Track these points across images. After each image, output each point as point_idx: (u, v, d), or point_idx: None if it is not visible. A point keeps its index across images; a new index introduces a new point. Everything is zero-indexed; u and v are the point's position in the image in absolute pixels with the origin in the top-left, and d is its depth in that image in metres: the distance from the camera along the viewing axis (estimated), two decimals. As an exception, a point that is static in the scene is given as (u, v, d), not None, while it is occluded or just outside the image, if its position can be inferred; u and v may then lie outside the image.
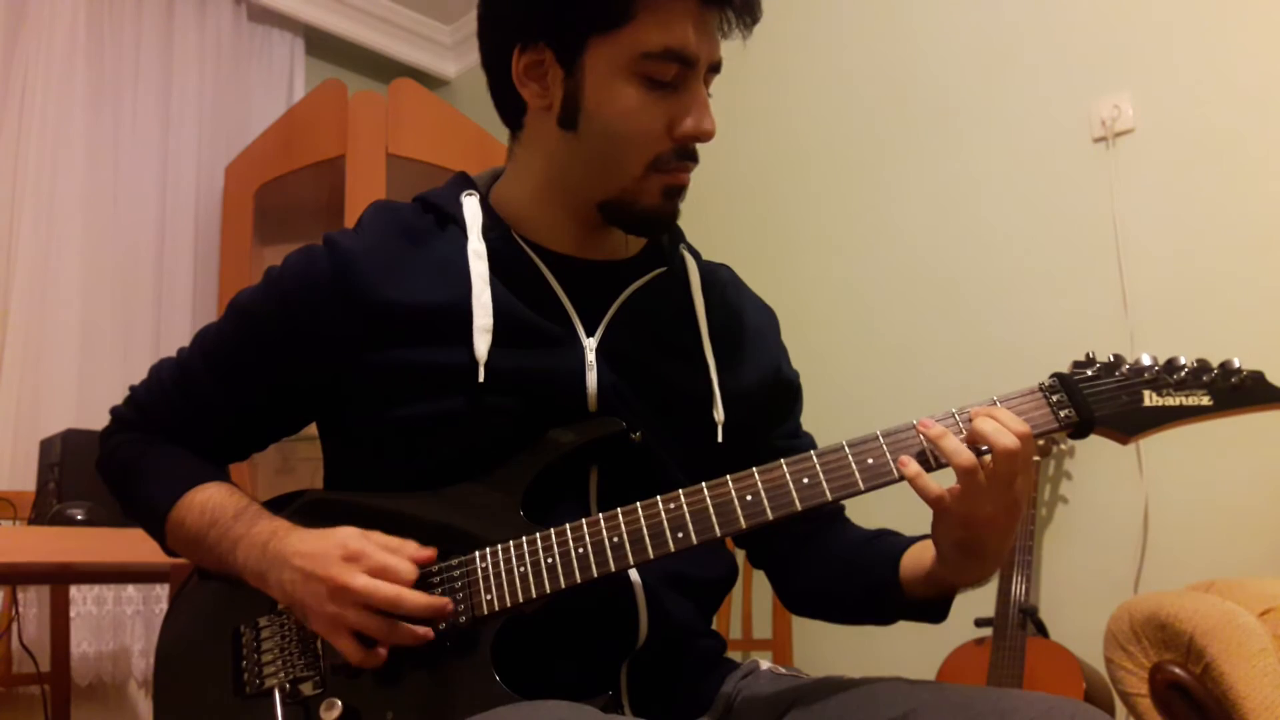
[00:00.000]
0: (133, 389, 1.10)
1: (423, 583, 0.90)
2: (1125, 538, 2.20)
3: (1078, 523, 2.29)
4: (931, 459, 0.85)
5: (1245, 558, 2.01)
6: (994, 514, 0.84)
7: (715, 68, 0.98)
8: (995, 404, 0.87)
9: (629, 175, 0.96)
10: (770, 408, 1.10)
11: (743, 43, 0.97)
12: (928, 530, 0.96)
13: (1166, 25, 2.27)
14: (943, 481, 0.86)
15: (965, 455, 0.83)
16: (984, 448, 0.83)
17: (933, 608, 0.98)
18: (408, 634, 0.87)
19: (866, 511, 1.10)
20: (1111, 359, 0.89)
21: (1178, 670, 1.45)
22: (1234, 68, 2.17)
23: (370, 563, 0.87)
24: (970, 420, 0.85)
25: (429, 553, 0.90)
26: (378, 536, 0.90)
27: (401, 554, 0.89)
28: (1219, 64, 2.19)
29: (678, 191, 0.99)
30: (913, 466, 0.84)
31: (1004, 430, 0.83)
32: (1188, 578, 1.79)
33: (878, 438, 0.87)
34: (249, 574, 0.94)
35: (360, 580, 0.86)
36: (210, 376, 1.04)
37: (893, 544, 1.01)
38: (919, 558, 0.96)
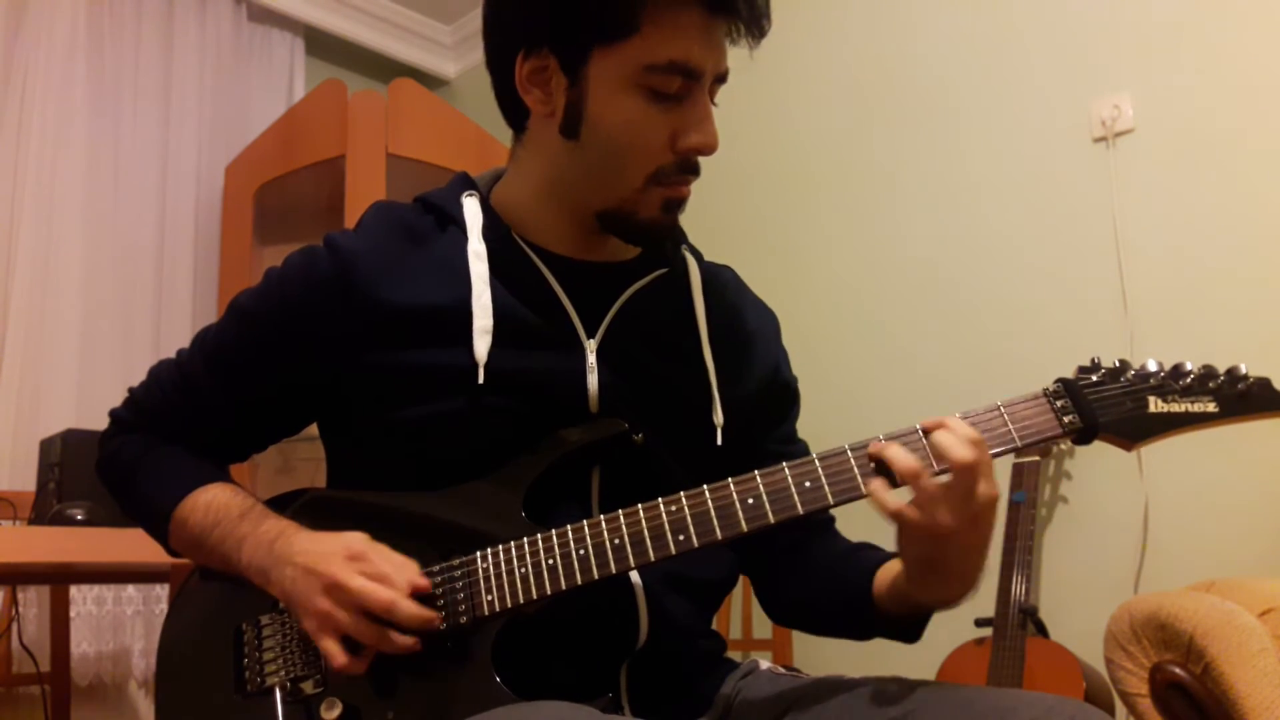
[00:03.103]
0: (132, 391, 1.10)
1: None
2: (1125, 538, 2.20)
3: (1078, 523, 2.29)
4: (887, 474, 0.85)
5: (1245, 558, 2.01)
6: (955, 527, 0.82)
7: (721, 78, 0.97)
8: (1000, 409, 0.87)
9: (629, 187, 0.96)
10: (767, 410, 1.10)
11: (750, 54, 0.97)
12: None
13: (1166, 25, 2.27)
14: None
15: (907, 461, 0.83)
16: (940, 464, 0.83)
17: (906, 626, 0.97)
18: (395, 643, 0.86)
19: (867, 519, 1.10)
20: (1116, 364, 0.89)
21: (1178, 670, 1.45)
22: (1234, 68, 2.17)
23: (371, 568, 0.87)
24: (928, 434, 0.85)
25: (426, 583, 0.89)
26: (385, 548, 0.90)
27: (403, 569, 0.88)
28: (1219, 64, 2.19)
29: (678, 204, 0.99)
30: (873, 482, 0.84)
31: (959, 443, 0.82)
32: (1188, 578, 1.79)
33: (880, 440, 0.86)
34: (253, 572, 0.94)
35: (357, 581, 0.86)
36: (210, 377, 1.04)
37: (869, 558, 1.00)
38: (892, 574, 0.95)
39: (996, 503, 0.84)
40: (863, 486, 0.85)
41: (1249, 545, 2.03)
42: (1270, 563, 1.97)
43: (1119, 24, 2.35)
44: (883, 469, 0.85)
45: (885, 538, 1.04)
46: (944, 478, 0.83)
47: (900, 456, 0.83)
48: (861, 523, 1.10)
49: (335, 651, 0.87)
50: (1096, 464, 2.26)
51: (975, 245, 2.53)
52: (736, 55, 0.98)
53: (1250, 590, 1.57)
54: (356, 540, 0.90)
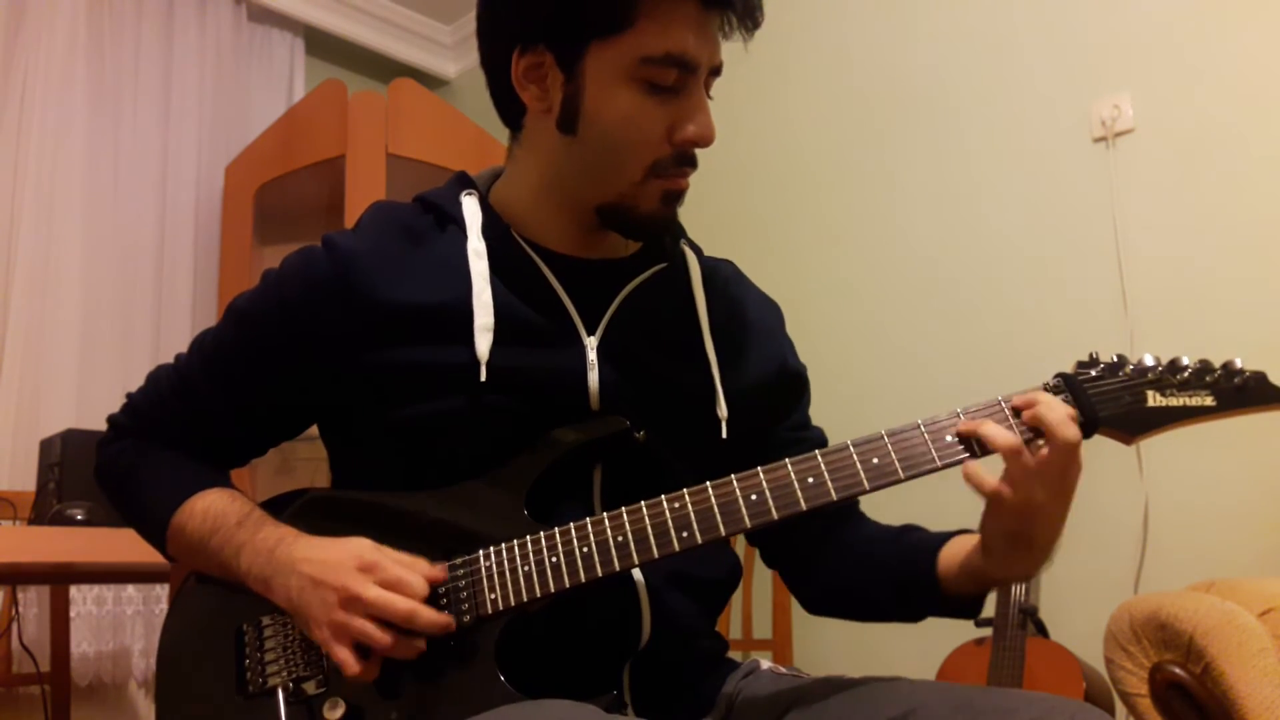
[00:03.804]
0: (130, 396, 1.10)
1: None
2: (1125, 538, 2.20)
3: (1078, 523, 2.25)
4: (976, 447, 0.85)
5: (1245, 558, 2.01)
6: (1046, 501, 0.85)
7: (716, 71, 0.97)
8: (1000, 403, 0.87)
9: (628, 180, 0.96)
10: (777, 401, 1.10)
11: (744, 47, 0.97)
12: (942, 527, 0.96)
13: (1166, 25, 2.27)
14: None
15: (1007, 437, 0.84)
16: (1031, 435, 0.84)
17: (969, 603, 0.97)
18: (409, 647, 0.86)
19: (870, 511, 1.10)
20: (1115, 359, 0.89)
21: (1178, 670, 1.45)
22: (1234, 68, 2.17)
23: (384, 575, 0.87)
24: (1018, 410, 0.85)
25: (440, 572, 0.89)
26: (391, 551, 0.90)
27: (415, 570, 0.88)
28: (1219, 64, 2.19)
29: (676, 197, 0.99)
30: (970, 464, 0.84)
31: (1066, 420, 0.83)
32: (1188, 578, 1.79)
33: (882, 437, 0.87)
34: (253, 580, 0.94)
35: (374, 591, 0.86)
36: (209, 382, 1.04)
37: (927, 538, 1.00)
38: (958, 552, 0.96)
39: (1078, 477, 0.86)
40: (900, 470, 0.85)
41: (1249, 545, 2.03)
42: (1270, 563, 1.97)
43: (1119, 24, 2.35)
44: (968, 444, 0.85)
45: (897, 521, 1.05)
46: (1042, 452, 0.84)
47: (999, 433, 0.83)
48: (897, 509, 1.10)
49: (350, 661, 0.86)
50: (1096, 464, 2.23)
51: (975, 245, 2.53)
52: (739, 56, 0.98)
53: (1250, 590, 1.57)
54: (366, 549, 0.89)
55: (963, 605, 0.97)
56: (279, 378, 1.02)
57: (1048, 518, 0.86)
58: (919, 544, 1.00)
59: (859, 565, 1.04)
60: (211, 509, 1.00)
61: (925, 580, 0.97)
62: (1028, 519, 0.86)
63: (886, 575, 1.01)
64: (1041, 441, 0.84)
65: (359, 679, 0.87)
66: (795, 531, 1.07)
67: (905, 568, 0.99)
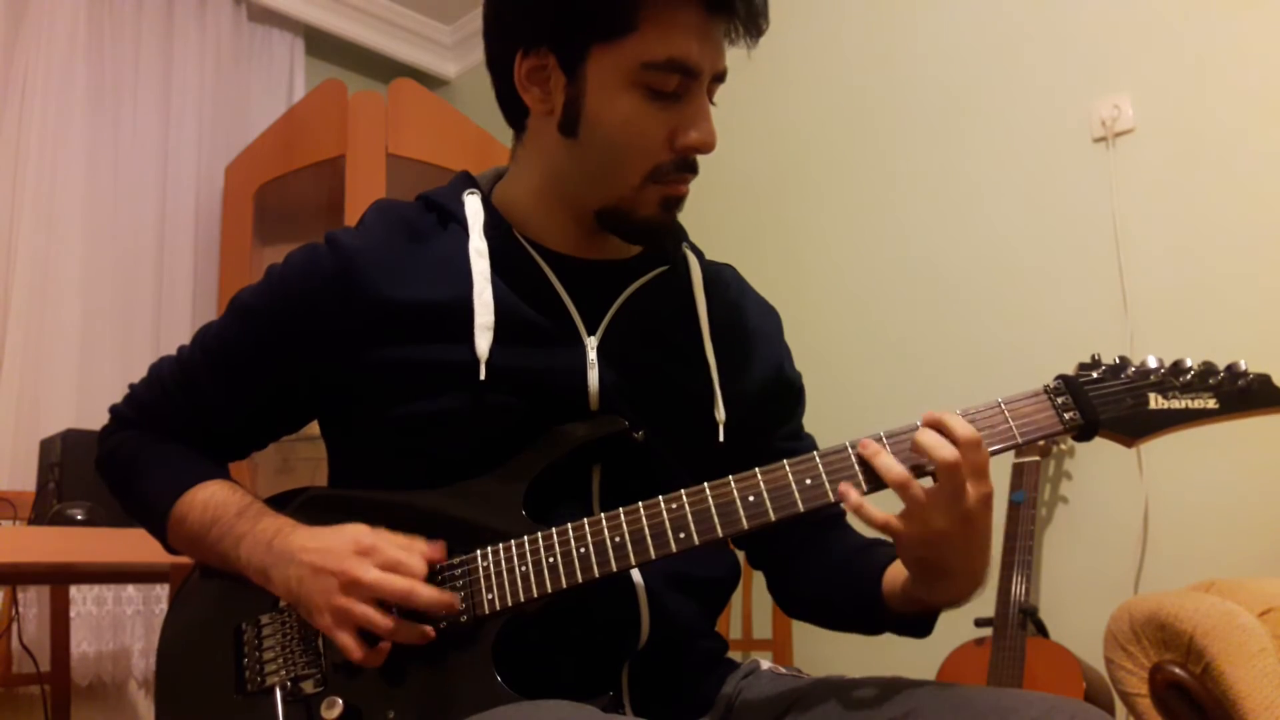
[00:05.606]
0: (133, 387, 1.10)
1: (426, 581, 0.90)
2: (1125, 538, 2.20)
3: (1078, 523, 2.29)
4: (863, 481, 0.85)
5: (1245, 558, 2.01)
6: (948, 529, 0.82)
7: (720, 77, 0.97)
8: (1000, 406, 0.87)
9: (627, 185, 0.96)
10: (772, 408, 1.10)
11: (747, 54, 0.97)
12: None
13: (1166, 25, 2.28)
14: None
15: (895, 471, 0.82)
16: (926, 461, 0.82)
17: (916, 623, 0.97)
18: (413, 632, 0.87)
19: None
20: (1117, 361, 0.89)
21: (1178, 670, 1.45)
22: (1234, 68, 2.17)
23: (382, 557, 0.88)
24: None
25: (439, 551, 0.90)
26: (388, 533, 0.91)
27: (413, 550, 0.89)
28: (1219, 64, 2.19)
29: (676, 203, 0.99)
30: (853, 497, 0.83)
31: (943, 443, 0.81)
32: (1188, 578, 1.79)
33: (881, 438, 0.86)
34: (252, 571, 0.94)
35: (373, 574, 0.86)
36: (211, 375, 1.04)
37: (878, 556, 1.00)
38: (901, 574, 0.95)
39: (990, 500, 0.83)
40: (831, 495, 0.84)
41: (1249, 545, 2.03)
42: (1270, 563, 1.97)
43: (1119, 24, 2.35)
44: (871, 471, 0.85)
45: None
46: (928, 481, 0.83)
47: (890, 466, 0.83)
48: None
49: (353, 646, 0.86)
50: (1096, 464, 2.26)
51: (975, 245, 2.53)
52: (739, 56, 0.98)
53: (1250, 590, 1.57)
54: (362, 533, 0.90)
55: (911, 624, 0.97)
56: (280, 372, 1.02)
57: (957, 545, 0.84)
58: (873, 562, 0.99)
59: (828, 576, 1.04)
60: (212, 500, 1.00)
61: (874, 600, 0.97)
62: (933, 548, 0.84)
63: (847, 590, 1.02)
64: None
65: (367, 665, 0.87)
66: (779, 537, 1.07)
67: (860, 585, 0.99)
